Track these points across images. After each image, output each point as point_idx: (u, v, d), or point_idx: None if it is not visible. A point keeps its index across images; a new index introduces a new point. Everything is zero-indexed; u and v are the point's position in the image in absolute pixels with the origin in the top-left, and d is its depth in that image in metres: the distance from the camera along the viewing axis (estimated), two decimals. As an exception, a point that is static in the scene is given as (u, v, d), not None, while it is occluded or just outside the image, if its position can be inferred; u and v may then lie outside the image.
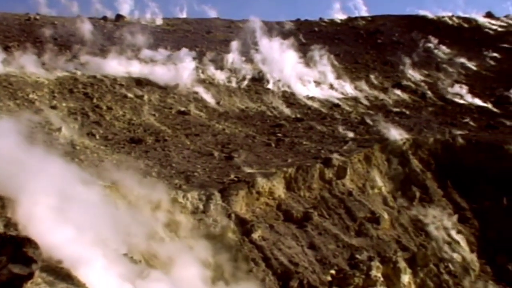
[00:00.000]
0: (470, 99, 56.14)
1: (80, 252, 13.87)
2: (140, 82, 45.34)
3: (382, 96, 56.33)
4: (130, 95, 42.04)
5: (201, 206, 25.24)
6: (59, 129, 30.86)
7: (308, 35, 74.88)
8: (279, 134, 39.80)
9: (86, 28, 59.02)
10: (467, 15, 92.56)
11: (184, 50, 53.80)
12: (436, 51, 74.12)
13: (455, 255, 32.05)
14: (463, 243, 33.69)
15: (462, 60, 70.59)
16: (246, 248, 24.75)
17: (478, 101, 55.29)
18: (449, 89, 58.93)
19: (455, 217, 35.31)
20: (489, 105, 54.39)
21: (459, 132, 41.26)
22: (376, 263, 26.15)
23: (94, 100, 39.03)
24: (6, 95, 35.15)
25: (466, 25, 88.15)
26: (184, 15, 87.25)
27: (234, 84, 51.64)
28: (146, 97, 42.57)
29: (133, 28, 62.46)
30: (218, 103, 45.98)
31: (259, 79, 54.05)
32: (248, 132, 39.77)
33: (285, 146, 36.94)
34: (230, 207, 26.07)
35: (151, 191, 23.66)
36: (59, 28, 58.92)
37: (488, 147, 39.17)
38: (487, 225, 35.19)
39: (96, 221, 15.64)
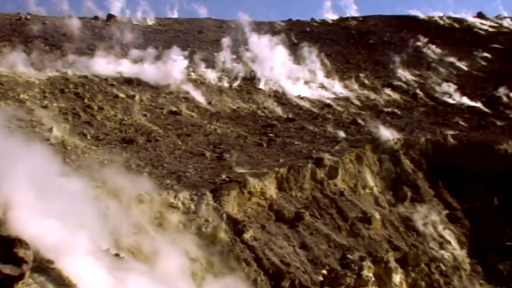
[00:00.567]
0: (461, 99, 56.32)
1: (59, 242, 13.79)
2: (131, 82, 45.25)
3: (373, 96, 56.42)
4: (121, 95, 41.92)
5: (192, 206, 25.20)
6: (50, 129, 30.74)
7: (300, 35, 74.92)
8: (270, 134, 39.79)
9: (77, 28, 58.86)
10: (458, 16, 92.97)
11: (175, 50, 53.64)
12: (427, 51, 74.32)
13: (446, 255, 32.14)
14: (454, 242, 33.79)
15: (453, 60, 70.81)
16: (238, 248, 24.74)
17: (469, 101, 55.46)
18: (440, 89, 59.10)
19: (446, 217, 35.43)
20: (480, 105, 54.57)
21: (450, 132, 41.38)
22: (367, 263, 26.18)
23: (85, 100, 38.90)
24: (-3, 95, 35.05)
25: (457, 26, 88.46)
26: (175, 15, 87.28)
27: (225, 84, 51.63)
28: (137, 97, 42.46)
29: (124, 28, 62.32)
30: (209, 103, 45.92)
31: (250, 79, 54.06)
32: (239, 132, 39.74)
33: (277, 146, 36.94)
34: (222, 207, 26.04)
35: (142, 191, 23.61)
36: (50, 28, 58.75)
37: (479, 147, 39.31)
38: (478, 225, 35.31)
39: (78, 213, 15.54)
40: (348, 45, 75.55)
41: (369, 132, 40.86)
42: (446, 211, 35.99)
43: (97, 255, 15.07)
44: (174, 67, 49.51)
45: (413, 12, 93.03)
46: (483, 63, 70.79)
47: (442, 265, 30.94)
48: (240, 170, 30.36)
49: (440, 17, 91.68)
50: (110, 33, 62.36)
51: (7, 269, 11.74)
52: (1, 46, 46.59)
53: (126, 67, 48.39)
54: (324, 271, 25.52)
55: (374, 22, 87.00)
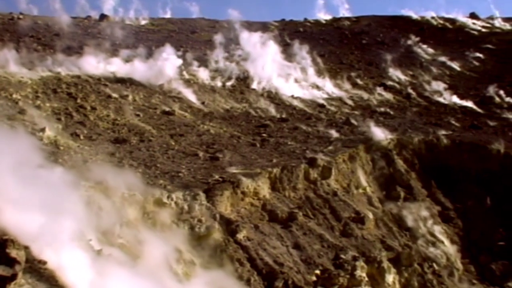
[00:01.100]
0: (454, 99, 56.53)
1: (41, 232, 13.75)
2: (124, 82, 45.20)
3: (366, 96, 56.56)
4: (114, 95, 41.83)
5: (185, 207, 25.13)
6: (43, 129, 30.61)
7: (293, 35, 74.97)
8: (264, 134, 39.79)
9: (70, 28, 58.74)
10: (451, 16, 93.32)
11: (168, 50, 53.55)
12: (420, 51, 74.58)
13: (439, 255, 32.22)
14: (447, 242, 33.89)
15: (446, 60, 71.09)
16: (231, 249, 24.70)
17: (462, 101, 55.67)
18: (433, 89, 59.30)
19: (439, 217, 35.54)
20: (473, 105, 54.78)
21: (443, 132, 41.49)
22: (360, 263, 26.19)
23: (78, 100, 38.78)
24: (-11, 95, 34.90)
25: (450, 26, 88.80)
26: (167, 14, 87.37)
27: (219, 84, 51.64)
28: (130, 97, 42.39)
29: (117, 28, 62.27)
30: (202, 103, 45.90)
31: (243, 79, 54.08)
32: (233, 133, 39.73)
33: (270, 146, 36.93)
34: (215, 208, 26.00)
35: (135, 191, 23.57)
36: (42, 28, 58.61)
37: (472, 147, 39.44)
38: (470, 224, 35.43)
39: (60, 203, 15.48)
40: (341, 45, 75.72)
41: (362, 132, 40.94)
42: (439, 211, 36.12)
43: (79, 246, 15.01)
44: (167, 67, 49.44)
45: (406, 12, 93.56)
46: (476, 63, 71.08)
47: (435, 265, 31.02)
48: (233, 170, 30.32)
49: (433, 18, 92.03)
50: (103, 33, 62.35)
51: (-1, 270, 11.71)
52: (-6, 45, 46.39)
53: (118, 67, 48.33)
54: (317, 271, 25.52)
55: (367, 22, 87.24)
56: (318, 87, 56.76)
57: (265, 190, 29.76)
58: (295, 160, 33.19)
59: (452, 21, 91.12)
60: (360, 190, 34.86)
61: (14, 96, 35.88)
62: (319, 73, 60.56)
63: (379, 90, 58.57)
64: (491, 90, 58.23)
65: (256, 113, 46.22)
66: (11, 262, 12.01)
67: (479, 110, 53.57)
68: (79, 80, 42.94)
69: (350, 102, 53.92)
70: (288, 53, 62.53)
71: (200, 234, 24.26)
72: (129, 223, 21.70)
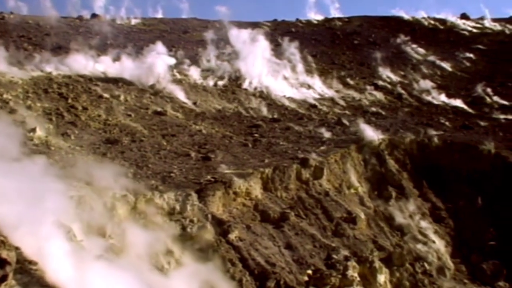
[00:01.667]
0: (445, 99, 56.73)
1: (21, 222, 13.70)
2: (116, 82, 45.11)
3: (358, 96, 56.71)
4: (105, 95, 41.75)
5: (177, 207, 25.09)
6: (34, 130, 30.50)
7: (285, 36, 74.99)
8: (256, 135, 39.79)
9: (61, 28, 58.58)
10: (442, 17, 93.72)
11: (160, 50, 53.47)
12: (412, 52, 74.87)
13: (430, 255, 32.25)
14: (438, 242, 33.94)
15: (438, 61, 71.39)
16: (223, 249, 24.66)
17: (453, 102, 55.88)
18: (425, 90, 59.49)
19: (430, 217, 35.62)
20: (464, 106, 54.99)
21: (434, 133, 41.57)
22: (352, 263, 26.16)
23: (69, 100, 38.68)
24: (-20, 95, 34.77)
25: (441, 27, 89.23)
26: (159, 13, 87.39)
27: (210, 84, 51.63)
28: (122, 97, 42.32)
29: (108, 28, 62.15)
30: (194, 103, 45.87)
31: (235, 79, 54.09)
32: (225, 133, 39.71)
33: (262, 146, 36.93)
34: (207, 208, 25.96)
35: (127, 191, 23.50)
36: (33, 27, 58.42)
37: (463, 147, 39.51)
38: (462, 224, 35.50)
39: (40, 195, 15.43)
40: (333, 46, 75.92)
41: (354, 132, 41.00)
42: (430, 211, 36.19)
43: (59, 237, 14.94)
44: (159, 67, 49.36)
45: (396, 12, 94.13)
46: (467, 63, 71.46)
47: (426, 265, 31.03)
48: (225, 170, 30.30)
49: (424, 18, 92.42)
50: (94, 33, 62.19)
51: (-10, 271, 11.63)
52: (-16, 45, 46.18)
53: (110, 67, 48.28)
54: (309, 271, 25.50)
55: (359, 22, 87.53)
56: (310, 87, 56.84)
57: (257, 190, 29.74)
58: (287, 160, 33.19)
59: (443, 21, 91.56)
60: (352, 190, 34.89)
61: (4, 96, 35.75)
62: (311, 73, 60.64)
63: (371, 90, 58.75)
64: (479, 89, 58.65)
65: (248, 113, 46.23)
66: (1, 263, 11.91)
67: (470, 110, 53.80)
68: (70, 80, 42.82)
69: (342, 102, 54.02)
70: (279, 53, 62.58)
71: (192, 234, 24.21)
72: (120, 223, 21.61)
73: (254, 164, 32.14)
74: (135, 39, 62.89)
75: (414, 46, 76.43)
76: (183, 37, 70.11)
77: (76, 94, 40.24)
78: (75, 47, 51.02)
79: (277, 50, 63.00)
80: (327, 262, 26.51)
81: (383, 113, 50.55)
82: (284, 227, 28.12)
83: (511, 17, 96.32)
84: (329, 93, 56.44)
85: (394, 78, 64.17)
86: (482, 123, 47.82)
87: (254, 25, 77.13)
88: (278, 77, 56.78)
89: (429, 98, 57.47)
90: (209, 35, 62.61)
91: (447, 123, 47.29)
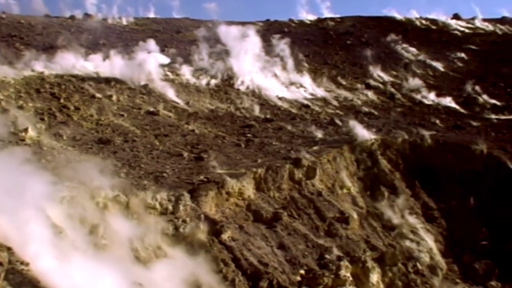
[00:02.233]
0: (437, 99, 56.85)
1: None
2: (108, 81, 45.01)
3: (351, 96, 56.77)
4: (98, 95, 41.64)
5: (170, 207, 25.08)
6: (26, 130, 30.39)
7: (278, 36, 74.94)
8: (248, 135, 39.79)
9: (53, 28, 58.42)
10: (434, 17, 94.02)
11: (153, 50, 53.40)
12: (404, 52, 75.02)
13: (423, 254, 32.33)
14: (430, 242, 34.02)
15: (430, 61, 71.56)
16: (216, 249, 24.64)
17: (445, 102, 56.00)
18: (417, 90, 59.62)
19: (422, 217, 35.70)
20: (456, 106, 55.13)
21: (427, 133, 41.65)
22: (345, 263, 26.20)
23: (62, 100, 38.56)
24: (-29, 95, 34.62)
25: (434, 27, 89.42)
26: (151, 11, 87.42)
27: (203, 84, 51.57)
28: (114, 97, 42.22)
29: (101, 28, 62.07)
30: (187, 103, 45.81)
31: (228, 79, 54.05)
32: (217, 133, 39.68)
33: (255, 146, 36.92)
34: (200, 208, 25.93)
35: (119, 191, 23.45)
36: (25, 27, 58.24)
37: (455, 148, 39.61)
38: (454, 224, 35.60)
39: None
40: (326, 46, 75.96)
41: (347, 132, 41.06)
42: (423, 211, 36.27)
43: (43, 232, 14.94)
44: (152, 67, 49.29)
45: (388, 12, 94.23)
46: (459, 64, 71.66)
47: (418, 264, 31.08)
48: (218, 170, 30.28)
49: (417, 18, 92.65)
50: (86, 32, 62.05)
51: (-19, 272, 11.60)
52: (-24, 45, 46.06)
53: (102, 67, 48.14)
54: (302, 271, 25.53)
55: (351, 23, 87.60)
56: (302, 87, 56.83)
57: (249, 190, 29.73)
58: (279, 160, 33.20)
59: (436, 22, 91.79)
60: (345, 190, 34.92)
61: (-4, 96, 35.62)
62: (304, 73, 60.62)
63: (364, 90, 58.84)
64: (468, 87, 58.99)
65: (240, 113, 46.22)
66: (-7, 263, 11.90)
67: (462, 110, 53.94)
68: (62, 80, 42.68)
69: (334, 102, 54.07)
70: (272, 53, 62.57)
71: (185, 234, 24.19)
72: (110, 224, 21.56)
73: (247, 164, 32.13)
74: (128, 38, 62.78)
75: (406, 46, 76.59)
76: (176, 37, 70.03)
77: (68, 94, 40.12)
78: (67, 47, 50.88)
79: (270, 50, 62.97)
80: (320, 262, 26.54)
81: (376, 113, 50.62)
82: (277, 227, 28.13)
83: (503, 18, 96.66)
84: (321, 93, 56.47)
85: (387, 78, 64.30)
86: (474, 123, 47.95)
87: (247, 25, 77.05)
88: (270, 77, 56.76)
89: (421, 98, 57.57)
90: (201, 33, 62.60)
91: (439, 123, 47.39)
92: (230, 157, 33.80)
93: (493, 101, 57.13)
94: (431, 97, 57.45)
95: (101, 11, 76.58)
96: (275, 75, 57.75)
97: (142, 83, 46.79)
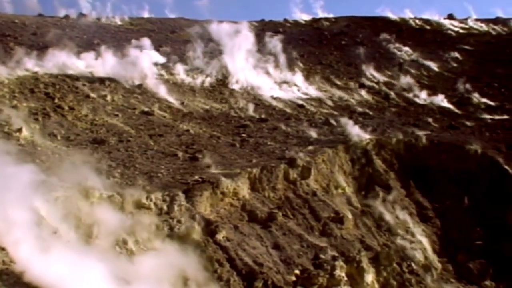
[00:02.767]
0: (432, 99, 56.92)
1: None
2: (103, 81, 44.89)
3: (345, 96, 56.78)
4: (92, 95, 41.55)
5: (165, 207, 25.04)
6: (20, 130, 30.30)
7: (272, 36, 74.90)
8: (243, 135, 39.76)
9: (47, 27, 58.29)
10: (428, 17, 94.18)
11: (148, 50, 53.29)
12: (399, 52, 75.11)
13: (417, 254, 32.38)
14: (425, 242, 34.09)
15: (424, 61, 71.67)
16: (211, 249, 24.62)
17: (440, 102, 56.08)
18: (411, 90, 59.71)
19: (417, 217, 35.77)
20: (451, 106, 55.23)
21: (421, 133, 41.74)
22: (340, 263, 26.21)
23: (56, 100, 38.45)
24: (-35, 95, 34.51)
25: (428, 27, 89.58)
26: (145, 10, 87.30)
27: (198, 84, 51.52)
28: (109, 97, 42.14)
29: (95, 27, 61.97)
30: (182, 103, 45.74)
31: (223, 79, 54.02)
32: (212, 133, 39.64)
33: (250, 146, 36.91)
34: (194, 208, 25.91)
35: (113, 191, 23.42)
36: (19, 27, 58.08)
37: (450, 148, 39.68)
38: (448, 224, 35.69)
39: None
40: (321, 46, 75.96)
41: (342, 132, 41.07)
42: (418, 211, 36.34)
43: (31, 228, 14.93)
44: (146, 66, 49.18)
45: (381, 11, 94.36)
46: (454, 64, 71.77)
47: (413, 264, 31.13)
48: (212, 170, 30.27)
49: (411, 19, 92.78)
50: (81, 32, 61.93)
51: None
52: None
53: (96, 66, 48.00)
54: (297, 271, 25.53)
55: (346, 23, 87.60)
56: (297, 88, 56.83)
57: (244, 190, 29.73)
58: (274, 160, 33.20)
59: (430, 22, 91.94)
60: (339, 190, 34.95)
61: (-10, 95, 35.49)
62: (298, 73, 60.61)
63: (358, 90, 58.89)
64: (460, 86, 59.22)
65: (235, 113, 46.17)
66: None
67: (456, 110, 54.03)
68: (56, 79, 42.56)
69: (329, 102, 54.07)
70: (267, 53, 62.53)
71: (180, 234, 24.16)
72: (104, 224, 21.52)
73: (241, 164, 32.12)
74: (122, 38, 62.62)
75: (401, 46, 76.68)
76: (171, 37, 69.94)
77: (63, 94, 40.02)
78: (61, 47, 50.70)
79: (264, 50, 62.94)
80: (315, 262, 26.54)
81: (371, 113, 50.67)
82: (272, 227, 28.13)
83: (496, 18, 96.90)
84: (316, 93, 56.46)
85: (381, 78, 64.36)
86: (468, 123, 48.04)
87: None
88: (265, 77, 56.73)
89: (416, 98, 57.65)
90: (195, 33, 62.52)
91: (434, 123, 47.44)
92: (225, 157, 33.78)
93: (487, 101, 57.27)
94: (425, 97, 57.51)
95: (96, 9, 76.38)
96: (269, 74, 57.74)
97: (137, 82, 46.69)
